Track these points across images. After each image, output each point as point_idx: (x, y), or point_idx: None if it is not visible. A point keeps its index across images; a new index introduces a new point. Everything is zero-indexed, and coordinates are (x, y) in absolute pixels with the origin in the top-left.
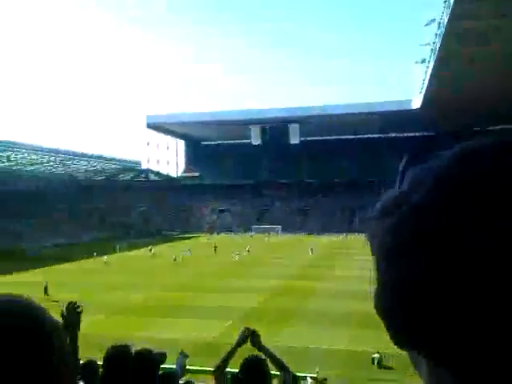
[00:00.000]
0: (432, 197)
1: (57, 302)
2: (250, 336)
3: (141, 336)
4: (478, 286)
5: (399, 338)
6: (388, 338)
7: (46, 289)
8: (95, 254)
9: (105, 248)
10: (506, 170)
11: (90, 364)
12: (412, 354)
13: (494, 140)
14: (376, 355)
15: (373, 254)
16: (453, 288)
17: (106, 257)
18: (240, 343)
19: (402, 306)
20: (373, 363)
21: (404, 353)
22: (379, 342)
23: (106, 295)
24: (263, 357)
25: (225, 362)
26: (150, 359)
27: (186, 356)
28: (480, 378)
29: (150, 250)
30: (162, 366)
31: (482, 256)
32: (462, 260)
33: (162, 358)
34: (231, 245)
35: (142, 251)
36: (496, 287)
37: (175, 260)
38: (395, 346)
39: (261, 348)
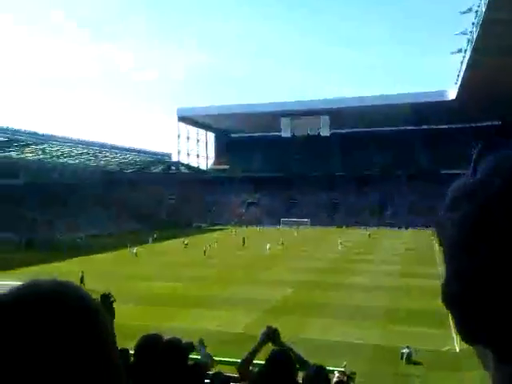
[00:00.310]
0: (510, 186)
1: (92, 290)
2: (271, 334)
3: (168, 326)
4: None
5: (464, 332)
6: (416, 333)
7: (82, 278)
8: (129, 245)
9: (136, 239)
10: None
11: (122, 352)
12: (479, 348)
13: None
14: (405, 350)
15: (440, 245)
16: None
17: (135, 249)
18: (262, 343)
19: (464, 300)
20: (401, 358)
21: (432, 348)
22: (409, 336)
23: (136, 285)
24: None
25: (248, 361)
26: (179, 348)
27: (204, 345)
28: None
29: (184, 241)
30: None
31: None
32: None
33: (189, 347)
34: (259, 238)
35: (172, 243)
36: None
37: (205, 254)
38: (425, 342)
39: (281, 345)
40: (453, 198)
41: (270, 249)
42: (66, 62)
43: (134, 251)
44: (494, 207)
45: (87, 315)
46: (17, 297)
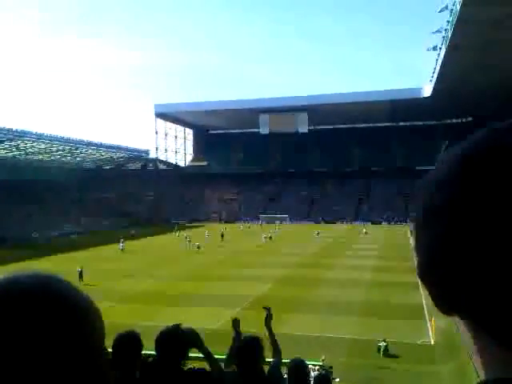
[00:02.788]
0: (452, 173)
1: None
2: (267, 314)
3: (146, 325)
4: (487, 255)
5: (436, 301)
6: (392, 326)
7: (80, 273)
8: (122, 239)
9: (119, 236)
10: None
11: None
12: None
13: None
14: (382, 343)
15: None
16: (464, 258)
17: (121, 245)
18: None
19: (431, 270)
20: (378, 351)
21: (408, 341)
22: (385, 330)
23: (119, 283)
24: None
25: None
26: (176, 340)
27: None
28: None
29: (186, 237)
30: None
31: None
32: (470, 231)
33: (191, 339)
34: (238, 233)
35: (155, 239)
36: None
37: (199, 248)
38: (401, 335)
39: (267, 326)
40: (418, 186)
41: (266, 238)
42: (42, 58)
43: (121, 247)
44: (438, 197)
45: (73, 313)
46: None
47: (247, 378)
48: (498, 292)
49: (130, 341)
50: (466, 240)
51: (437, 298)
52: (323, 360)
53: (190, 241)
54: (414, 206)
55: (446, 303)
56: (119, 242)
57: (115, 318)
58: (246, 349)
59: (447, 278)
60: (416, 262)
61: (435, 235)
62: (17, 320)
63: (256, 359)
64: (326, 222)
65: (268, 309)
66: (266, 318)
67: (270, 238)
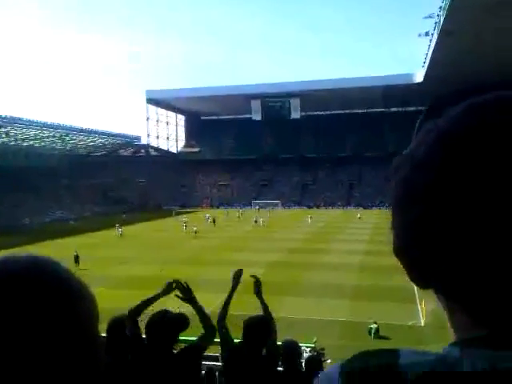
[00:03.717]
0: (431, 152)
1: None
2: (255, 282)
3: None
4: (469, 235)
5: (410, 275)
6: (383, 309)
7: (76, 258)
8: (118, 225)
9: (114, 222)
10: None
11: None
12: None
13: (500, 93)
14: (373, 325)
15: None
16: (444, 237)
17: (120, 230)
18: (234, 286)
19: (406, 247)
20: (369, 333)
21: (398, 323)
22: (376, 312)
23: (113, 268)
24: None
25: (225, 307)
26: (165, 323)
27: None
28: (488, 311)
29: (185, 222)
30: None
31: (475, 207)
32: (454, 212)
33: (181, 322)
34: (233, 219)
35: (149, 225)
36: (491, 242)
37: (196, 233)
38: (392, 317)
39: (259, 296)
40: (395, 162)
41: (263, 222)
42: (34, 44)
43: (120, 232)
44: (416, 176)
45: (66, 297)
46: None
47: (251, 356)
48: (473, 271)
49: (123, 325)
50: (443, 223)
51: (412, 274)
52: (315, 342)
53: (186, 226)
54: (390, 185)
55: (420, 279)
56: (116, 227)
57: (110, 303)
58: (253, 328)
59: (422, 257)
60: (392, 240)
61: (411, 216)
62: (6, 302)
63: (263, 340)
64: (318, 208)
65: (255, 277)
66: (256, 288)
67: (256, 221)
